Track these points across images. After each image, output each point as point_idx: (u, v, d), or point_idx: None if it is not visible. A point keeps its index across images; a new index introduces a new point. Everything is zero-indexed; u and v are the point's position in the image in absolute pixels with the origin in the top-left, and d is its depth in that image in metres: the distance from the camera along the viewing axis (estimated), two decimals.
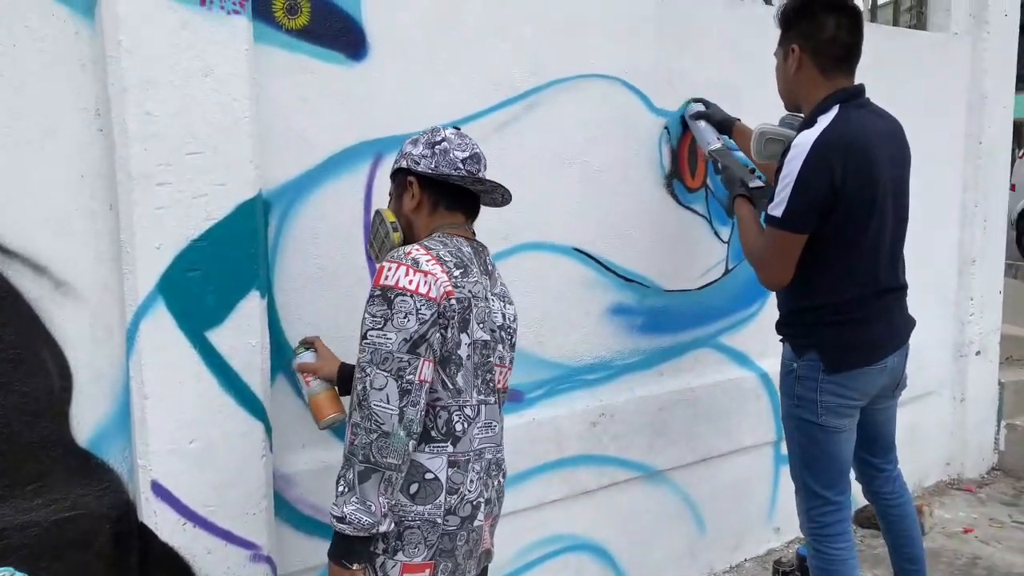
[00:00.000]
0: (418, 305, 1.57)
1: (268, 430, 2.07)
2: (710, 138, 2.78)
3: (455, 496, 1.65)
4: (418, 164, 1.75)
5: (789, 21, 2.30)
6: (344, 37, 2.19)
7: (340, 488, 1.59)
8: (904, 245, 2.38)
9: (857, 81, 2.31)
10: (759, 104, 3.06)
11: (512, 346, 1.83)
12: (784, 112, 2.51)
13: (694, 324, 3.08)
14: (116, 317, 1.92)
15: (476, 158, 1.78)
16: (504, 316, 1.79)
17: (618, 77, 2.74)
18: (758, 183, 2.56)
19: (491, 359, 1.73)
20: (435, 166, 1.72)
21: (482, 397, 1.71)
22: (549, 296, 2.67)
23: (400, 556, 1.61)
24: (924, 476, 4.18)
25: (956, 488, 4.21)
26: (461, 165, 1.74)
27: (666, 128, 2.90)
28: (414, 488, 1.63)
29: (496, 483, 1.78)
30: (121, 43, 1.79)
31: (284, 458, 2.20)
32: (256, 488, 2.05)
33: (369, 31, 2.23)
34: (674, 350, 3.03)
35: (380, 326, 1.57)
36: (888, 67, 3.36)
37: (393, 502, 1.59)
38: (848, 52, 2.26)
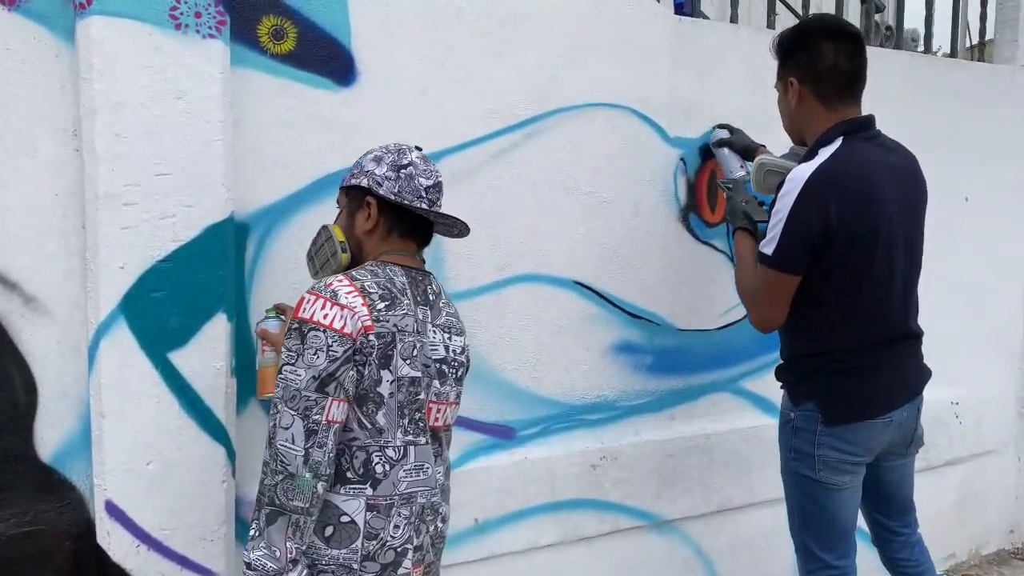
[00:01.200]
0: (330, 341, 1.51)
1: (231, 455, 2.05)
2: (733, 166, 2.64)
3: (374, 541, 1.57)
4: (380, 186, 1.69)
5: (785, 52, 2.18)
6: (332, 63, 2.19)
7: (252, 531, 1.53)
8: (917, 289, 2.19)
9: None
10: (786, 136, 2.92)
11: (458, 380, 1.76)
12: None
13: (711, 366, 2.92)
14: (84, 335, 1.93)
15: (438, 187, 1.74)
16: (448, 349, 1.71)
17: (628, 106, 2.65)
18: (765, 217, 2.40)
19: (420, 396, 1.64)
20: (398, 191, 1.67)
21: (410, 438, 1.63)
22: (546, 330, 2.58)
23: None
24: (983, 543, 3.85)
25: (1020, 558, 3.86)
26: (424, 194, 1.69)
27: (682, 159, 2.78)
28: (329, 531, 1.55)
29: (432, 529, 1.69)
30: (93, 65, 1.82)
31: (251, 483, 2.16)
32: (215, 514, 2.02)
33: (358, 57, 2.22)
34: (688, 393, 2.88)
35: (292, 361, 1.52)
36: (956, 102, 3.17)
37: (304, 546, 1.52)
38: (851, 80, 2.10)
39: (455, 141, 2.37)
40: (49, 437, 1.94)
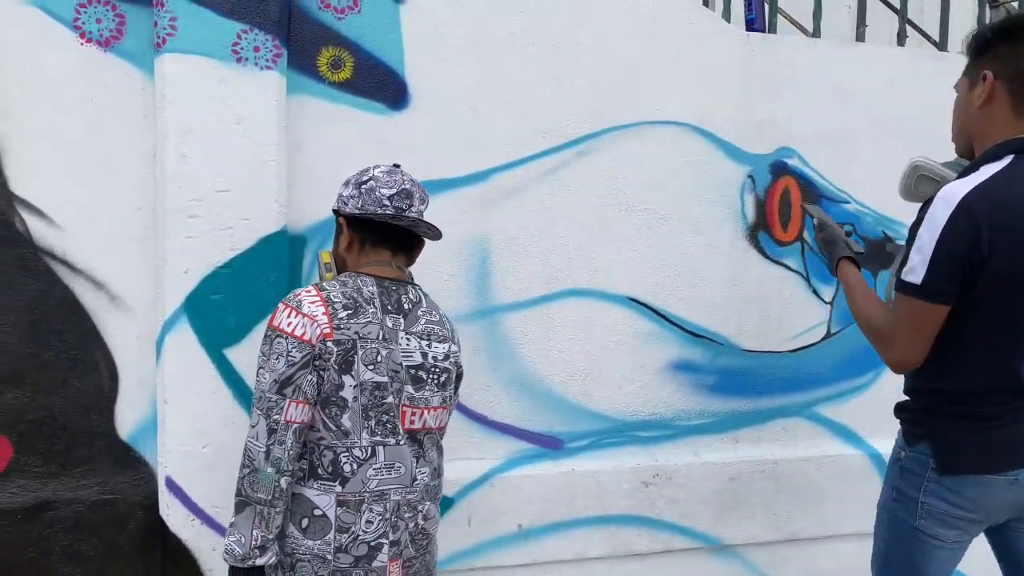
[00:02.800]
0: (289, 347, 1.64)
1: None
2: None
3: (346, 535, 1.68)
4: (346, 205, 1.81)
5: (985, 44, 1.86)
6: (386, 88, 2.37)
7: (231, 519, 1.69)
8: None
9: None
10: (875, 154, 2.80)
11: (441, 384, 1.82)
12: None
13: (782, 390, 2.82)
14: (159, 331, 2.22)
15: (404, 194, 1.80)
16: (426, 355, 1.79)
17: (689, 123, 2.64)
18: (859, 249, 2.19)
19: (387, 400, 1.72)
20: (361, 205, 1.78)
21: (377, 439, 1.71)
22: (596, 345, 2.61)
23: None
24: None
25: None
26: (388, 202, 1.78)
27: (750, 176, 2.73)
28: (304, 523, 1.69)
29: (411, 526, 1.78)
30: (165, 96, 2.10)
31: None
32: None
33: (411, 82, 2.39)
34: (754, 416, 2.80)
35: (262, 364, 1.67)
36: None
37: (272, 535, 1.65)
38: None
39: (503, 160, 2.48)
40: (128, 419, 2.24)
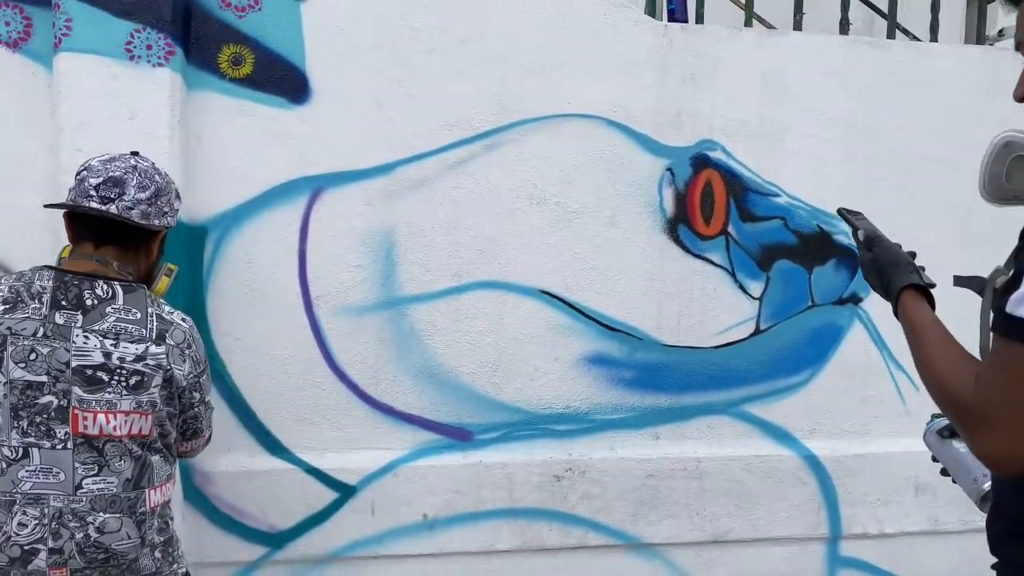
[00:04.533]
0: None
1: None
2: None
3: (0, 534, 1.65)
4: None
5: None
6: (286, 83, 2.43)
7: None
8: None
9: None
10: (807, 145, 2.74)
11: (132, 387, 1.71)
12: None
13: (707, 387, 2.77)
14: None
15: (114, 182, 1.73)
16: (109, 355, 1.70)
17: (602, 116, 2.62)
18: (929, 280, 1.46)
19: (42, 401, 1.66)
20: (73, 197, 1.75)
21: (31, 440, 1.65)
22: (507, 337, 2.62)
23: None
24: None
25: None
26: (94, 192, 1.72)
27: (669, 169, 2.69)
28: None
29: (80, 536, 1.68)
30: (61, 92, 2.21)
31: (207, 457, 2.43)
32: None
33: (312, 77, 2.44)
34: (677, 412, 2.75)
35: None
36: None
37: None
38: None
39: (408, 153, 2.51)
40: None
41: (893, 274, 1.47)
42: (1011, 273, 1.14)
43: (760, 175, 2.74)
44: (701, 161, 2.70)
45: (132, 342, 1.72)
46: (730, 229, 2.74)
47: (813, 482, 2.82)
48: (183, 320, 1.82)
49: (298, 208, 2.47)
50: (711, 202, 2.72)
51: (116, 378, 1.70)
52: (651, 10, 2.85)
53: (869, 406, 2.87)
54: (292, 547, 2.51)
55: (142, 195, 1.77)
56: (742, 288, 2.77)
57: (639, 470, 2.70)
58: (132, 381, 1.72)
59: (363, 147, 2.48)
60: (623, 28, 2.62)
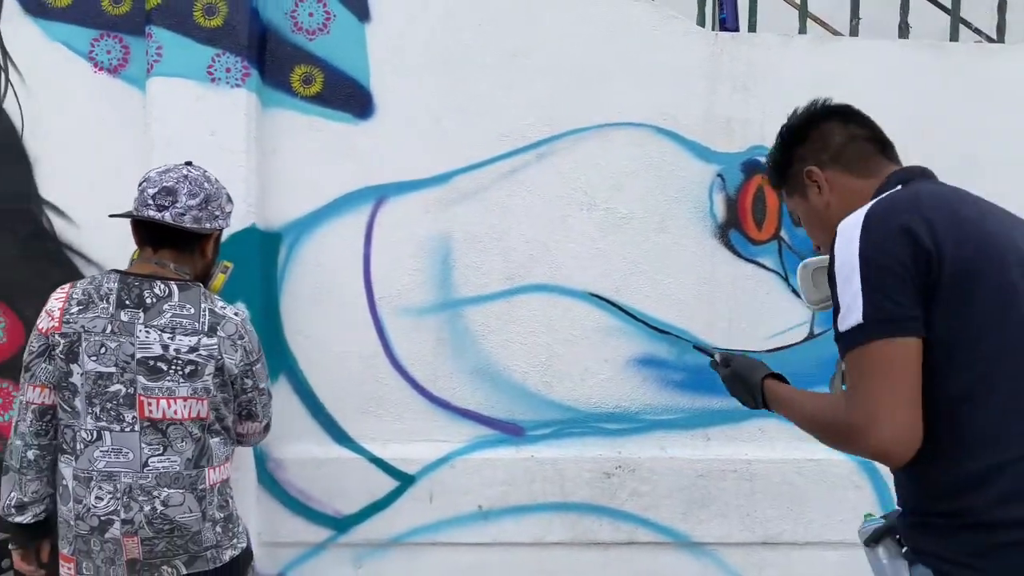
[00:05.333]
0: (33, 338, 1.91)
1: None
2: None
3: (81, 505, 1.88)
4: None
5: (786, 155, 1.71)
6: (353, 100, 2.62)
7: None
8: None
9: None
10: None
11: (188, 376, 1.91)
12: None
13: None
14: None
15: (167, 191, 1.93)
16: (167, 347, 1.90)
17: (651, 124, 2.70)
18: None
19: (112, 389, 1.87)
20: (136, 207, 1.96)
21: (103, 424, 1.87)
22: (557, 338, 2.73)
23: (61, 545, 1.94)
24: None
25: None
26: (151, 200, 1.93)
27: (720, 176, 2.74)
28: (60, 491, 1.93)
29: (148, 509, 1.89)
30: (152, 113, 2.47)
31: (279, 445, 2.66)
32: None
33: (375, 94, 2.63)
34: (728, 415, 2.80)
35: None
36: None
37: (29, 497, 1.91)
38: (878, 139, 1.63)
39: (463, 163, 2.66)
40: None
41: (751, 377, 1.73)
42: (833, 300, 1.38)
43: None
44: (752, 167, 2.74)
45: (186, 335, 1.92)
46: (783, 234, 2.77)
47: (868, 486, 2.81)
48: (235, 314, 2.01)
49: (363, 216, 2.66)
50: (763, 207, 2.76)
51: (173, 367, 1.90)
52: (701, 20, 2.91)
53: None
54: (355, 531, 2.69)
55: (192, 202, 1.96)
56: (795, 292, 2.79)
57: (689, 470, 2.76)
58: (187, 370, 1.91)
59: (422, 158, 2.65)
60: (673, 38, 2.69)
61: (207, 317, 1.95)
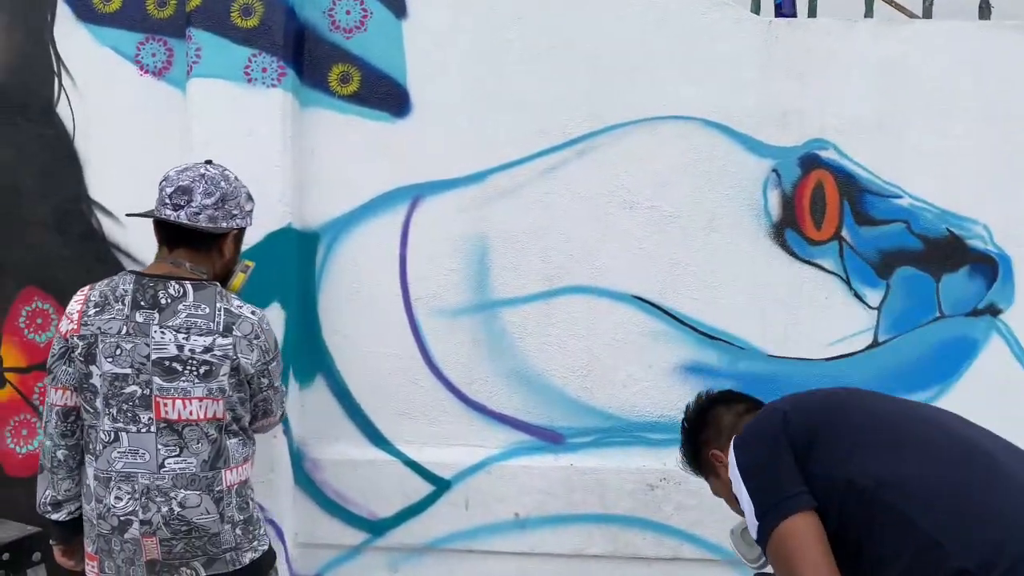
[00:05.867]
0: (55, 341, 1.93)
1: (282, 418, 2.55)
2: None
3: (101, 505, 1.89)
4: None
5: (695, 442, 1.91)
6: (389, 99, 2.59)
7: None
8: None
9: None
10: (932, 140, 2.53)
11: (203, 376, 1.89)
12: None
13: None
14: None
15: (183, 191, 1.92)
16: (182, 348, 1.89)
17: (700, 117, 2.55)
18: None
19: (128, 391, 1.87)
20: (156, 207, 1.96)
21: (120, 425, 1.87)
22: (599, 343, 2.62)
23: (86, 543, 1.96)
24: None
25: None
26: (168, 200, 1.93)
27: (775, 171, 2.57)
28: (84, 489, 1.95)
29: (165, 510, 1.88)
30: (191, 113, 2.50)
31: (316, 446, 2.65)
32: (265, 462, 2.52)
33: (412, 91, 2.59)
34: None
35: None
36: None
37: (62, 496, 1.96)
38: (758, 404, 1.85)
39: (501, 161, 2.58)
40: None
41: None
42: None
43: (878, 175, 2.55)
44: (811, 161, 2.56)
45: (201, 335, 1.90)
46: (844, 233, 2.57)
47: None
48: (252, 313, 1.99)
49: (399, 215, 2.62)
50: (822, 204, 2.57)
51: (188, 368, 1.89)
52: (756, 7, 2.74)
53: (1011, 426, 2.56)
54: (391, 535, 2.65)
55: (208, 201, 1.95)
56: (858, 296, 2.59)
57: None
58: (202, 370, 1.90)
59: (458, 157, 2.59)
60: (723, 26, 2.54)
61: (222, 317, 1.94)
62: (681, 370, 2.62)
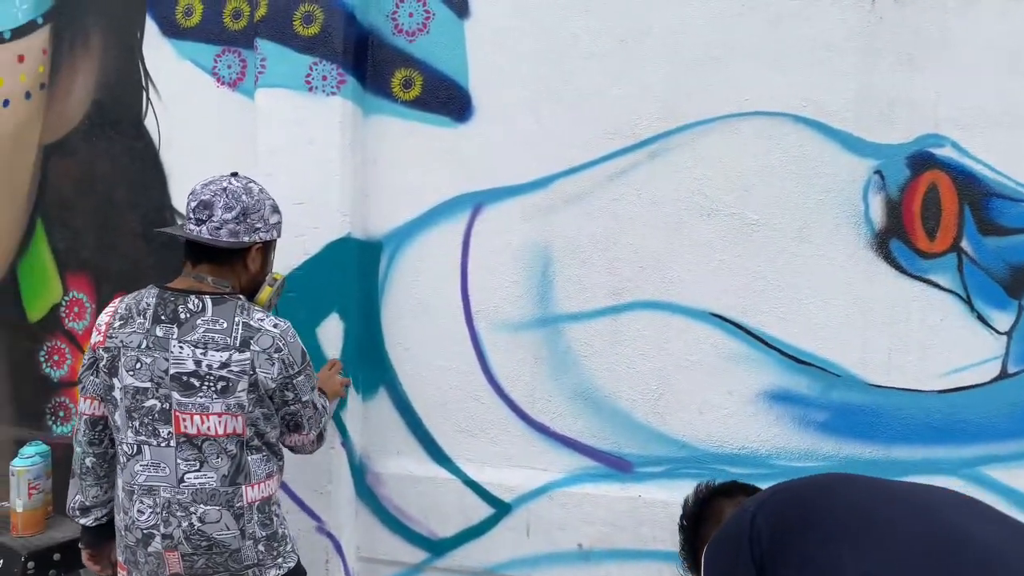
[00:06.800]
0: (86, 351, 1.96)
1: (340, 427, 2.51)
2: None
3: (127, 517, 1.91)
4: None
5: (695, 538, 1.74)
6: (452, 103, 2.48)
7: None
8: None
9: None
10: None
11: (221, 391, 1.87)
12: None
13: (928, 439, 2.23)
14: None
15: (204, 205, 1.93)
16: (199, 363, 1.87)
17: (787, 113, 2.25)
18: None
19: (148, 404, 1.87)
20: (182, 222, 1.98)
21: (142, 438, 1.88)
22: (670, 364, 2.37)
23: (118, 552, 1.98)
24: None
25: None
26: (191, 214, 1.95)
27: (878, 172, 2.22)
28: (116, 500, 1.96)
29: (185, 524, 1.87)
30: (257, 123, 2.51)
31: (378, 459, 2.60)
32: (323, 472, 2.51)
33: (475, 94, 2.47)
34: (886, 466, 2.26)
35: None
36: None
37: (90, 502, 2.01)
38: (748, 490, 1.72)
39: (566, 165, 2.41)
40: None
41: None
42: None
43: (1010, 176, 2.15)
44: (922, 160, 2.19)
45: (217, 350, 1.88)
46: (964, 244, 2.18)
47: None
48: (274, 326, 1.94)
49: (460, 224, 2.51)
50: (936, 211, 2.19)
51: (206, 383, 1.87)
52: None
53: None
54: (451, 556, 2.55)
55: (228, 215, 1.93)
56: (982, 319, 2.19)
57: None
58: (219, 386, 1.88)
59: (521, 162, 2.44)
60: (815, 9, 2.23)
61: (240, 331, 1.91)
62: (765, 398, 2.33)
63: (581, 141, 2.40)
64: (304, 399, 2.00)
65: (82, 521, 2.04)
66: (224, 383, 1.88)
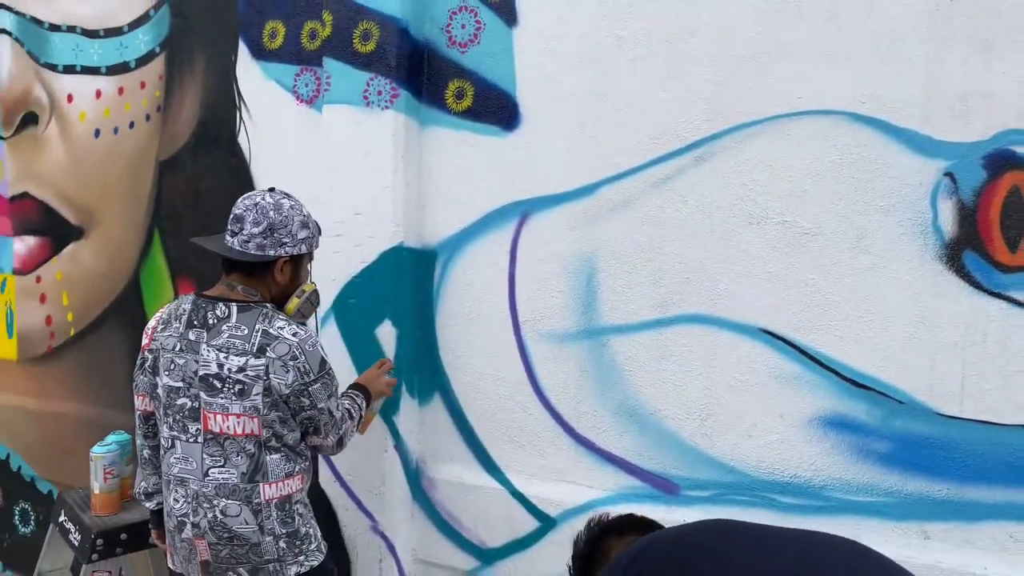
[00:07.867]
0: (139, 353, 2.11)
1: (393, 430, 2.57)
2: None
3: (167, 504, 2.12)
4: None
5: None
6: (500, 112, 2.48)
7: None
8: None
9: None
10: None
11: (239, 394, 2.00)
12: None
13: (1009, 479, 1.94)
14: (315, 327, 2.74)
15: (236, 219, 2.08)
16: (222, 366, 2.01)
17: (845, 111, 2.04)
18: None
19: (180, 402, 2.04)
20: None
21: (175, 434, 2.06)
22: (718, 383, 2.23)
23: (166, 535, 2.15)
24: None
25: None
26: (229, 226, 2.08)
27: (948, 175, 1.96)
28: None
29: (210, 516, 2.03)
30: (322, 139, 2.64)
31: (433, 463, 2.64)
32: (377, 474, 2.59)
33: (522, 103, 2.45)
34: (958, 508, 1.99)
35: None
36: None
37: (152, 488, 2.21)
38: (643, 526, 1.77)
39: (610, 172, 2.33)
40: None
41: None
42: None
43: None
44: (1002, 160, 1.91)
45: (237, 355, 2.00)
46: None
47: None
48: (293, 335, 2.03)
49: (508, 233, 2.50)
50: (1019, 218, 1.90)
51: (227, 385, 2.00)
52: None
53: None
54: (499, 566, 2.54)
55: (256, 229, 2.05)
56: None
57: None
58: (237, 388, 2.00)
59: (566, 169, 2.39)
60: None
61: (258, 338, 2.01)
62: (819, 423, 2.13)
63: (626, 146, 2.31)
64: (320, 406, 2.08)
65: (147, 505, 2.27)
66: (241, 386, 2.00)
